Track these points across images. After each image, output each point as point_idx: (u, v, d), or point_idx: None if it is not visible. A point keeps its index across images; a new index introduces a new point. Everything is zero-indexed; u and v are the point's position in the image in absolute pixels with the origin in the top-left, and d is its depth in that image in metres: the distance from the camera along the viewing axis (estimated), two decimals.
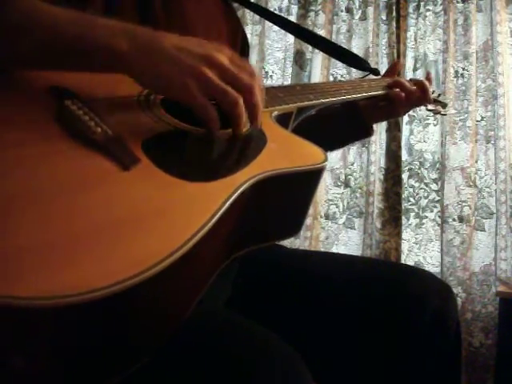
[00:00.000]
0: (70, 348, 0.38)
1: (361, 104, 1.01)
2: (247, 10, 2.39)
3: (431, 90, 1.06)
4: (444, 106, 1.15)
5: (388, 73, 1.09)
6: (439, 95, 1.14)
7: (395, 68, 1.10)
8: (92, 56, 0.53)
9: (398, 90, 0.99)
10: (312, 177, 0.61)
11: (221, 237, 0.50)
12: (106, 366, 0.41)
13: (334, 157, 2.29)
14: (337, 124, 1.03)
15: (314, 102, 0.81)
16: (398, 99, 0.99)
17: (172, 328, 0.46)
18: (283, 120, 0.73)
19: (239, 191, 0.49)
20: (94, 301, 0.35)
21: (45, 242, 0.37)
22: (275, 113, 0.71)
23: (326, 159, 0.61)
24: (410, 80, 1.05)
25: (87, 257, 0.38)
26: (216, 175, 0.51)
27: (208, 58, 0.53)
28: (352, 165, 2.29)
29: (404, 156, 2.23)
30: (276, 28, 2.42)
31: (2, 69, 0.54)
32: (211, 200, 0.47)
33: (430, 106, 1.11)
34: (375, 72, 1.08)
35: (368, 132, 1.05)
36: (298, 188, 0.61)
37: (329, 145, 1.03)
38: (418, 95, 1.01)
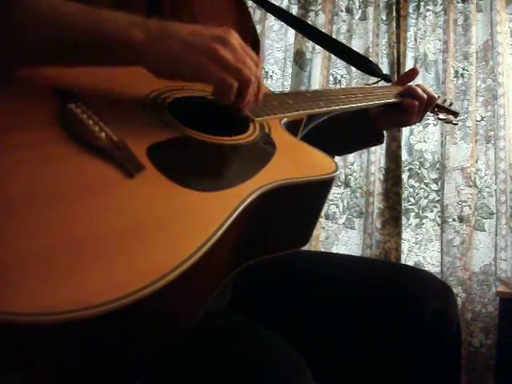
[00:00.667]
0: (74, 364, 0.37)
1: (372, 111, 0.99)
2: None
3: (438, 95, 1.04)
4: (455, 115, 1.13)
5: (402, 79, 1.06)
6: (451, 104, 1.12)
7: (411, 75, 1.06)
8: (105, 49, 0.53)
9: (411, 98, 0.97)
10: (322, 187, 0.60)
11: (228, 247, 0.49)
12: (112, 379, 0.41)
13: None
14: (347, 130, 1.01)
15: (324, 109, 0.78)
16: (412, 108, 0.96)
17: (177, 338, 0.46)
18: (293, 127, 0.71)
19: (247, 202, 0.48)
20: (98, 315, 0.34)
21: (45, 251, 0.36)
22: (285, 120, 0.69)
23: (336, 169, 0.60)
24: (418, 86, 1.02)
25: (89, 269, 0.36)
26: (224, 184, 0.50)
27: (220, 38, 0.55)
28: (352, 165, 2.29)
29: (404, 156, 2.23)
30: (276, 28, 2.42)
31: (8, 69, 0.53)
32: (218, 210, 0.46)
33: (441, 115, 1.09)
34: (387, 78, 1.06)
35: (379, 139, 1.03)
36: (308, 198, 0.60)
37: (338, 150, 1.03)
38: (426, 100, 0.99)
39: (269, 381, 0.51)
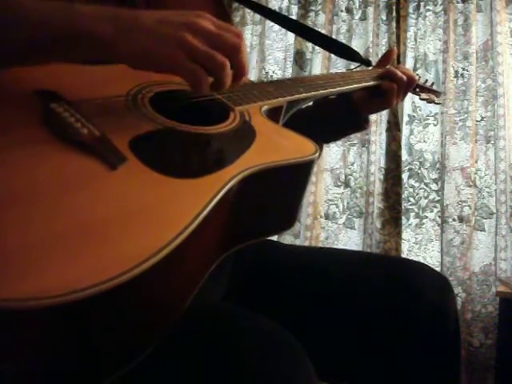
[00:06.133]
0: (58, 350, 0.38)
1: (354, 96, 0.99)
2: (247, 11, 2.40)
3: (418, 76, 1.04)
4: (437, 94, 1.13)
5: (381, 61, 1.05)
6: (432, 84, 1.13)
7: (389, 56, 1.05)
8: (76, 44, 0.52)
9: (389, 80, 0.97)
10: (303, 169, 0.61)
11: (211, 233, 0.50)
12: (96, 368, 0.41)
13: (334, 157, 2.29)
14: (330, 117, 1.01)
15: (303, 95, 0.80)
16: (390, 90, 0.96)
17: (165, 325, 0.46)
18: (273, 114, 0.72)
19: (228, 186, 0.49)
20: (83, 299, 0.35)
21: (26, 243, 0.37)
22: (265, 107, 0.71)
23: (316, 151, 0.60)
24: (397, 67, 1.02)
25: (72, 256, 0.37)
26: (204, 171, 0.51)
27: (190, 25, 0.53)
28: (352, 165, 2.29)
29: (404, 156, 2.23)
30: (276, 28, 2.43)
31: None
32: (199, 196, 0.47)
33: (423, 95, 1.09)
34: (367, 63, 1.06)
35: (362, 125, 1.02)
36: (289, 181, 0.61)
37: (323, 138, 1.03)
38: (405, 82, 0.98)
39: (268, 369, 0.51)
